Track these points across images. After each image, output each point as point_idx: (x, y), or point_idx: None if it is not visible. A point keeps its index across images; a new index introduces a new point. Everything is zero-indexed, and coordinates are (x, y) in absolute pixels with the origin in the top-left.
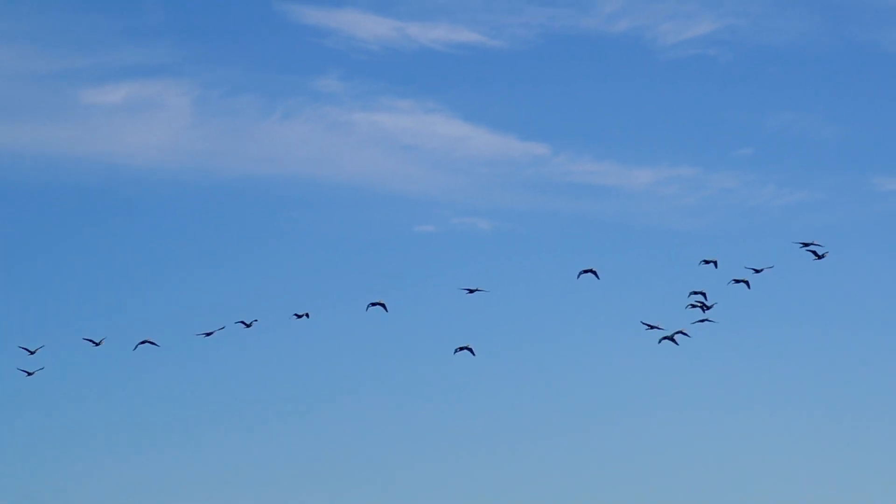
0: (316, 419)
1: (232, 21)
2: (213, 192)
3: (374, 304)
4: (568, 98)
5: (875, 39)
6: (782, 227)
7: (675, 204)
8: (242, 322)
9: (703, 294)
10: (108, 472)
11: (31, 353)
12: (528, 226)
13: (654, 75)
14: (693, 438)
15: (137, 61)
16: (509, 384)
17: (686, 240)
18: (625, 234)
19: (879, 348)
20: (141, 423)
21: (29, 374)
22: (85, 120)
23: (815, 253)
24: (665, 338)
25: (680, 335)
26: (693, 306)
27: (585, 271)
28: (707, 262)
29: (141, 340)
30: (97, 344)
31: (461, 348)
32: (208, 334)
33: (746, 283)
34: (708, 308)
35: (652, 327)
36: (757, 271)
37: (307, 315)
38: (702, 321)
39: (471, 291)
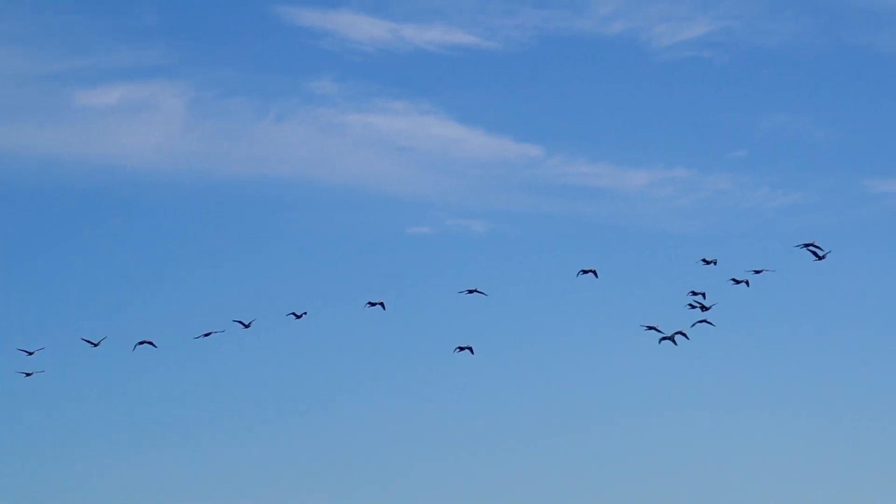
0: (312, 420)
1: (226, 23)
2: (208, 193)
3: (373, 304)
4: (562, 100)
5: (868, 42)
6: (776, 228)
7: (669, 206)
8: (241, 322)
9: (703, 294)
10: (108, 473)
11: (30, 353)
12: (522, 227)
13: (649, 77)
14: (692, 439)
15: (132, 63)
16: (504, 385)
17: (681, 241)
18: (619, 236)
19: (875, 348)
20: (139, 423)
21: (28, 374)
22: (80, 121)
23: (815, 254)
24: (664, 338)
25: (679, 335)
26: (692, 307)
27: (586, 271)
28: (707, 262)
29: (139, 341)
30: (95, 345)
31: (461, 348)
32: (206, 335)
33: (746, 282)
34: (707, 309)
35: (651, 328)
36: (757, 272)
37: (304, 314)
38: (701, 322)
39: (470, 292)
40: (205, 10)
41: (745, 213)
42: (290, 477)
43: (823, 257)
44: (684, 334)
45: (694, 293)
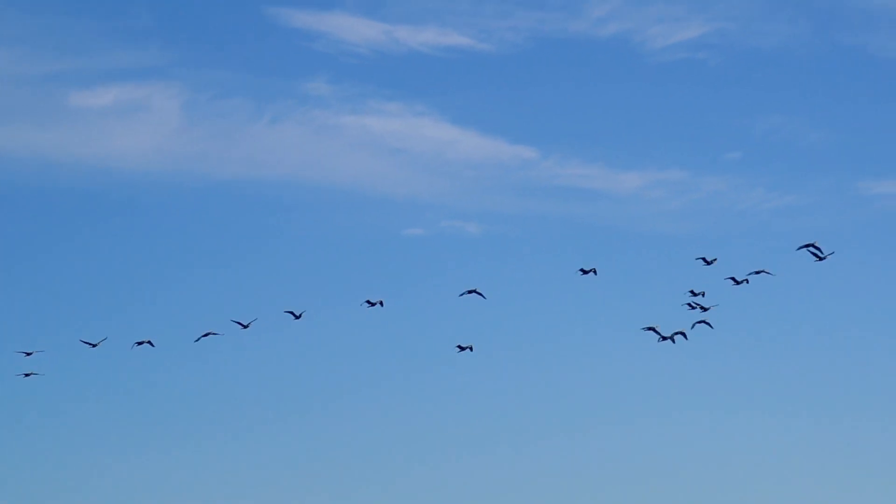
0: (307, 420)
1: (221, 24)
2: (203, 194)
3: (372, 304)
4: (557, 102)
5: (862, 43)
6: (771, 230)
7: (663, 207)
8: (239, 323)
9: (702, 294)
10: (107, 474)
11: (28, 354)
12: (516, 229)
13: (643, 79)
14: (690, 439)
15: (127, 64)
16: (498, 386)
17: (675, 243)
18: (614, 238)
19: (872, 349)
20: (138, 424)
21: (27, 375)
22: (74, 122)
23: (816, 255)
24: (664, 338)
25: (678, 335)
26: (692, 307)
27: (586, 271)
28: (707, 261)
29: (138, 341)
30: (94, 345)
31: (462, 347)
32: (205, 335)
33: (746, 280)
34: (706, 309)
35: (650, 329)
36: (756, 272)
37: (304, 313)
38: (700, 322)
39: (469, 293)
40: (200, 12)
41: (740, 214)
42: (288, 477)
43: (824, 258)
44: (684, 334)
45: (693, 293)
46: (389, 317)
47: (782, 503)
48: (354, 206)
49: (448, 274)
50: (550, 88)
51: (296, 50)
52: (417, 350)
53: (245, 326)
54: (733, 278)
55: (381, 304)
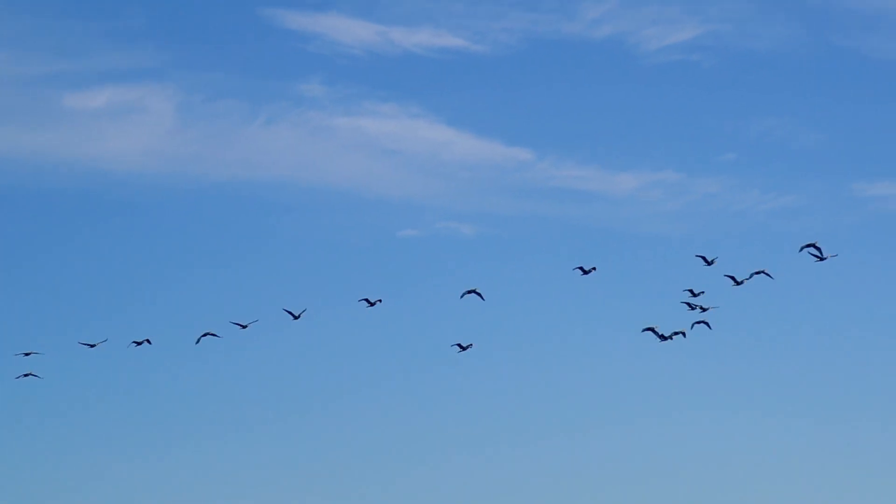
0: (303, 421)
1: (215, 26)
2: (197, 196)
3: (371, 303)
4: (551, 103)
5: (857, 45)
6: (766, 231)
7: (658, 209)
8: (239, 324)
9: (701, 294)
10: (105, 475)
11: (27, 355)
12: (512, 230)
13: (638, 80)
14: (687, 440)
15: (120, 66)
16: (493, 386)
17: (670, 244)
18: (609, 239)
19: (867, 349)
20: (135, 425)
21: (25, 376)
22: (68, 124)
23: (817, 256)
24: (664, 338)
25: (677, 335)
26: (691, 307)
27: (586, 271)
28: (708, 261)
29: (137, 340)
30: (92, 346)
31: (463, 347)
32: (205, 335)
33: (750, 277)
34: (705, 310)
35: (649, 329)
36: (756, 273)
37: (304, 311)
38: (700, 322)
39: (469, 293)
40: (193, 13)
41: (735, 216)
42: (288, 477)
43: (824, 259)
44: (683, 334)
45: (693, 293)
46: (385, 318)
47: (782, 503)
48: (349, 207)
49: (443, 275)
50: (545, 90)
51: (290, 51)
52: (413, 351)
53: (244, 327)
54: (733, 277)
55: (380, 301)
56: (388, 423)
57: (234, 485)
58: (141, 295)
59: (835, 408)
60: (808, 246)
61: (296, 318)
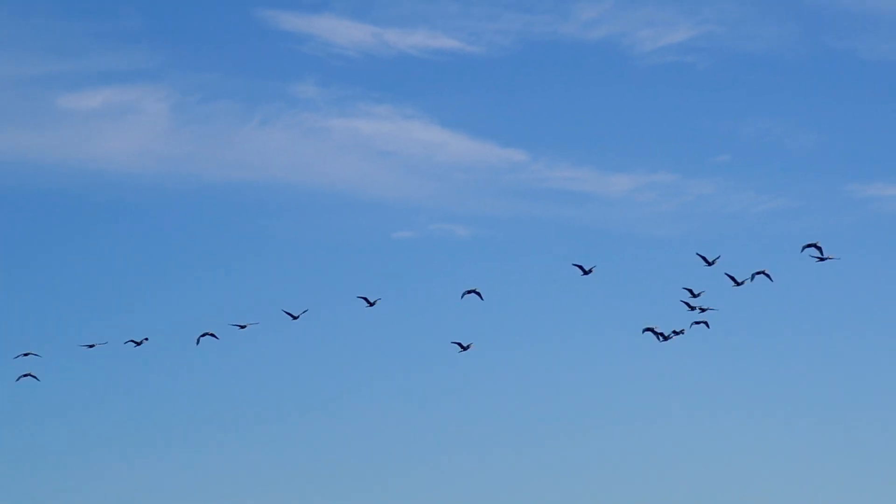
0: (300, 421)
1: (210, 27)
2: (191, 197)
3: (371, 303)
4: (546, 104)
5: (851, 47)
6: (760, 233)
7: (652, 210)
8: (238, 325)
9: (700, 294)
10: (104, 476)
11: (25, 356)
12: (506, 232)
13: (632, 82)
14: (686, 440)
15: (115, 66)
16: (487, 388)
17: (665, 246)
18: (603, 241)
19: (864, 350)
20: (133, 426)
21: (24, 377)
22: (62, 125)
23: (818, 257)
24: (664, 337)
25: (676, 335)
26: (690, 308)
27: (586, 272)
28: (709, 262)
29: (136, 341)
30: (91, 347)
31: (464, 347)
32: (203, 335)
33: (752, 277)
34: (704, 310)
35: (649, 330)
36: (757, 273)
37: (305, 311)
38: (699, 323)
39: (469, 293)
40: (188, 15)
41: (729, 217)
42: (288, 478)
43: (824, 259)
44: (682, 333)
45: (693, 294)
46: (380, 319)
47: (782, 503)
48: (344, 208)
49: (438, 277)
50: (540, 91)
51: (284, 52)
52: (408, 352)
53: (242, 327)
54: (733, 278)
55: (380, 300)
56: (385, 423)
57: (234, 485)
58: (136, 296)
59: (834, 408)
60: (810, 246)
61: (295, 318)
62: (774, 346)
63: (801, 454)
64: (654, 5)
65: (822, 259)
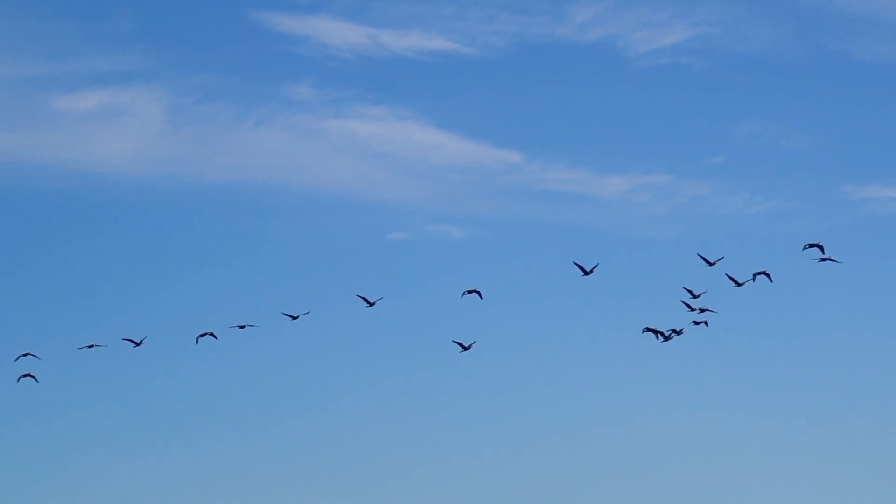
0: (297, 422)
1: (205, 28)
2: (186, 199)
3: (370, 303)
4: (541, 106)
5: (846, 48)
6: (755, 234)
7: (647, 212)
8: (240, 325)
9: (700, 295)
10: (102, 477)
11: (24, 356)
12: (501, 233)
13: (627, 83)
14: (686, 441)
15: (110, 68)
16: (481, 388)
17: (660, 247)
18: (598, 242)
19: (859, 351)
20: (130, 428)
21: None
22: (57, 127)
23: (822, 258)
24: (665, 337)
25: (676, 334)
26: (690, 309)
27: (587, 272)
28: (710, 263)
29: (136, 341)
30: (90, 347)
31: (465, 348)
32: (203, 335)
33: (756, 277)
34: (703, 311)
35: (648, 330)
36: (758, 274)
37: (307, 313)
38: (697, 323)
39: (469, 293)
40: (183, 16)
41: (724, 219)
42: (286, 478)
43: (825, 260)
44: (681, 332)
45: (693, 295)
46: (375, 321)
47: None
48: (339, 210)
49: (433, 278)
50: (535, 93)
51: (280, 54)
52: (403, 353)
53: (242, 328)
54: (733, 279)
55: (381, 299)
56: (382, 423)
57: (234, 485)
58: (132, 297)
59: (833, 408)
60: (813, 246)
61: (294, 318)
62: (773, 346)
63: (801, 454)
64: (649, 7)
65: (822, 259)
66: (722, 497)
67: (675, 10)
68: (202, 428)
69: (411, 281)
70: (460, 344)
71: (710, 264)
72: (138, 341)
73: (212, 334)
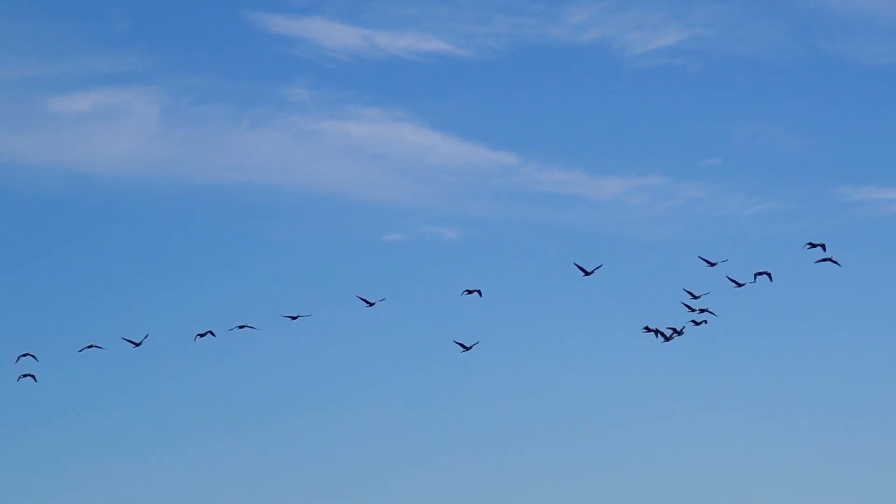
0: (294, 422)
1: (200, 30)
2: (181, 200)
3: (370, 304)
4: (536, 107)
5: (841, 50)
6: (750, 236)
7: (643, 213)
8: (241, 326)
9: (700, 297)
10: (102, 478)
11: (24, 356)
12: (496, 235)
13: (623, 85)
14: (686, 441)
15: (105, 69)
16: (478, 389)
17: (655, 249)
18: (593, 244)
19: (856, 352)
20: (129, 428)
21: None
22: (52, 128)
23: (823, 258)
24: (666, 337)
25: (675, 334)
26: (690, 310)
27: (587, 272)
28: (711, 263)
29: (135, 342)
30: (89, 348)
31: (466, 348)
32: (202, 335)
33: (760, 276)
34: (703, 311)
35: (649, 330)
36: (759, 274)
37: (309, 315)
38: (697, 323)
39: (469, 292)
40: (179, 17)
41: (719, 220)
42: (286, 478)
43: (825, 260)
44: (683, 333)
45: (693, 296)
46: (370, 322)
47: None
48: (334, 211)
49: (428, 279)
50: (530, 94)
51: (275, 55)
52: (399, 354)
53: (241, 328)
54: (734, 280)
55: (382, 300)
56: (379, 423)
57: (234, 485)
58: (127, 298)
59: (833, 408)
60: (815, 246)
61: (294, 319)
62: (772, 346)
63: (801, 454)
64: (645, 8)
65: (822, 260)
66: (722, 497)
67: (671, 12)
68: (201, 428)
69: (407, 282)
70: (462, 344)
71: (712, 265)
72: (138, 342)
73: (210, 332)
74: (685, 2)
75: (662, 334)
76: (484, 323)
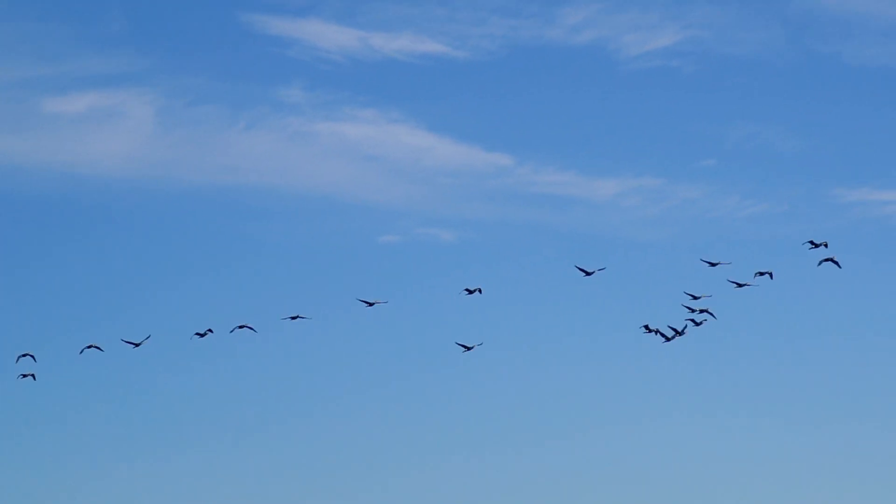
0: (293, 423)
1: (196, 31)
2: (176, 201)
3: (370, 304)
4: (532, 109)
5: (837, 52)
6: (746, 237)
7: (638, 214)
8: (243, 326)
9: (701, 297)
10: (101, 479)
11: (24, 356)
12: (491, 236)
13: (618, 86)
14: (687, 441)
15: (100, 70)
16: (473, 390)
17: (650, 250)
18: (589, 245)
19: (853, 353)
20: (128, 429)
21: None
22: (47, 129)
23: (825, 259)
24: (666, 338)
25: (676, 334)
26: (691, 311)
27: (588, 273)
28: (712, 264)
29: (135, 342)
30: (89, 348)
31: (467, 348)
32: (202, 335)
33: (762, 274)
34: (703, 312)
35: (649, 330)
36: (760, 274)
37: (309, 318)
38: (697, 324)
39: (470, 292)
40: (174, 19)
41: (714, 221)
42: (286, 478)
43: (826, 260)
44: (684, 333)
45: (694, 297)
46: (366, 323)
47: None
48: (329, 213)
49: (423, 281)
50: (525, 96)
51: (270, 56)
52: (394, 355)
53: (241, 328)
54: (735, 281)
55: (384, 302)
56: (376, 423)
57: (234, 486)
58: (123, 299)
59: (833, 408)
60: (818, 245)
61: (293, 319)
62: (771, 347)
63: (801, 454)
64: (640, 10)
65: (824, 261)
66: (722, 497)
67: (666, 13)
68: (201, 429)
69: (402, 283)
70: (464, 345)
71: (713, 265)
72: (138, 342)
73: (210, 330)
74: (681, 3)
75: (663, 334)
76: (480, 324)
